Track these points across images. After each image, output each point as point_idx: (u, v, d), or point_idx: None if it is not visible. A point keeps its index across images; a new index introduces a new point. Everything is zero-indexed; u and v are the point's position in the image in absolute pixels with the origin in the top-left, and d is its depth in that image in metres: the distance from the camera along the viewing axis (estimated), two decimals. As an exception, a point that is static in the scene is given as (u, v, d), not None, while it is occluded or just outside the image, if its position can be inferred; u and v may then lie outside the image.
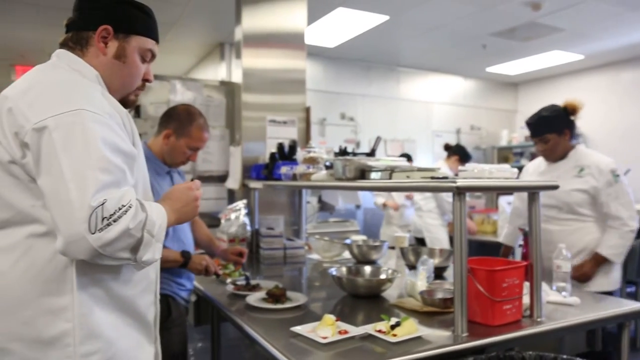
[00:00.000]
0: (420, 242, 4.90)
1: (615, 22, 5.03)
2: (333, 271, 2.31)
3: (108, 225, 1.08)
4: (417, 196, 5.01)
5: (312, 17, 4.44)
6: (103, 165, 1.13)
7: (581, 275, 2.58)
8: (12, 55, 6.01)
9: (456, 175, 1.89)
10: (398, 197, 5.15)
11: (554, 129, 2.67)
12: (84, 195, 1.08)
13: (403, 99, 6.93)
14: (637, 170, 5.50)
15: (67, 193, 1.08)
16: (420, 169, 1.97)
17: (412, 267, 2.44)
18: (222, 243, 2.96)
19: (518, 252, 4.04)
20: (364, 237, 3.64)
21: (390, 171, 2.01)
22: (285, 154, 3.18)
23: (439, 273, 2.55)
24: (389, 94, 6.82)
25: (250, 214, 3.37)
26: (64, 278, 1.18)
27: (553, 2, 4.44)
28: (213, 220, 3.39)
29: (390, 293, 2.23)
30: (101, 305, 1.23)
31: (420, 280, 2.09)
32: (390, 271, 2.33)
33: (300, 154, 2.76)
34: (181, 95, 3.72)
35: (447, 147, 5.11)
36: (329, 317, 1.66)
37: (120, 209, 1.10)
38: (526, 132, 7.17)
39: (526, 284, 1.84)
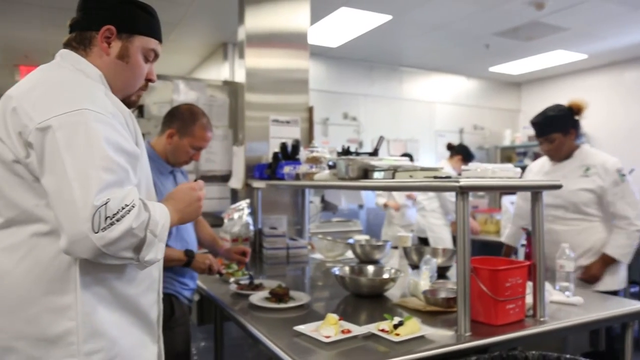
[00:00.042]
0: (424, 241, 4.89)
1: (619, 21, 5.01)
2: (336, 271, 2.31)
3: (111, 224, 1.08)
4: (421, 196, 5.01)
5: (315, 17, 4.44)
6: (106, 164, 1.13)
7: (590, 277, 2.58)
8: (16, 55, 6.03)
9: (459, 174, 1.89)
10: (399, 197, 5.15)
11: (559, 128, 2.66)
12: (87, 195, 1.08)
13: (406, 98, 6.93)
14: (641, 170, 5.48)
15: (71, 192, 1.09)
16: (423, 169, 1.97)
17: (415, 266, 2.44)
18: (225, 242, 2.97)
19: (521, 252, 4.03)
20: (366, 237, 3.64)
21: (393, 171, 2.01)
22: (288, 154, 3.18)
23: (442, 273, 2.56)
24: (392, 94, 6.81)
25: (253, 213, 3.37)
26: (67, 277, 1.19)
27: (556, 1, 4.43)
28: (216, 220, 3.40)
29: (393, 292, 2.23)
30: (104, 304, 1.24)
31: (423, 280, 2.09)
32: (393, 271, 2.33)
33: (303, 154, 2.76)
34: (184, 95, 3.73)
35: (450, 147, 5.11)
36: (332, 317, 1.66)
37: (123, 208, 1.11)
38: (529, 131, 7.18)
39: (529, 284, 1.83)
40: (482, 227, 5.01)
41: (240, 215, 3.14)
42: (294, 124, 3.74)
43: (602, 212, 2.64)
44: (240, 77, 3.75)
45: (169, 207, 1.30)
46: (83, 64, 1.32)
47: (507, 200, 4.66)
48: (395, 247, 3.33)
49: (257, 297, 2.09)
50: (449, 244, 4.65)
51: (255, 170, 3.50)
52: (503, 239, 3.26)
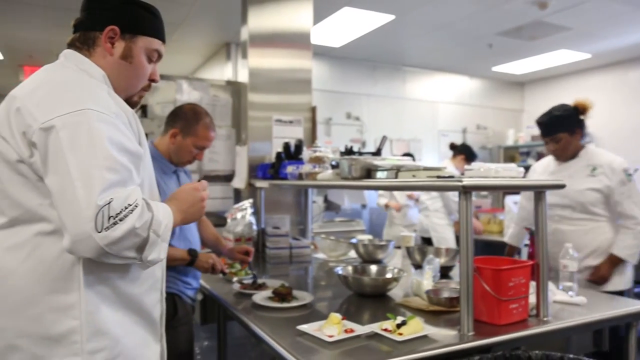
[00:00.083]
0: (427, 241, 4.89)
1: (622, 20, 5.00)
2: (339, 270, 2.31)
3: (114, 224, 1.09)
4: (424, 196, 5.01)
5: (318, 17, 4.44)
6: (109, 164, 1.14)
7: (599, 279, 2.57)
8: (20, 55, 6.06)
9: (462, 174, 1.89)
10: (400, 198, 5.14)
11: (565, 128, 2.66)
12: (90, 194, 1.09)
13: (409, 98, 6.92)
14: (645, 170, 5.46)
15: (74, 192, 1.09)
16: (426, 168, 1.97)
17: (418, 266, 2.44)
18: (229, 242, 2.97)
19: (525, 252, 4.03)
20: (369, 237, 3.64)
21: (396, 170, 2.01)
22: (292, 154, 3.19)
23: (445, 272, 2.55)
24: (395, 94, 6.81)
25: (256, 213, 3.37)
26: (71, 276, 1.19)
27: (560, 0, 4.42)
28: (219, 220, 3.41)
29: (396, 292, 2.23)
30: (108, 303, 1.24)
31: (427, 280, 2.09)
32: (396, 270, 2.33)
33: (306, 154, 2.76)
34: (188, 95, 3.74)
35: (453, 147, 5.10)
36: (335, 316, 1.66)
37: (126, 208, 1.11)
38: (533, 131, 7.17)
39: (532, 284, 1.83)
40: (485, 227, 5.00)
41: (243, 215, 3.15)
42: (297, 124, 3.74)
43: (608, 212, 2.64)
44: (243, 77, 3.75)
45: (172, 207, 1.30)
46: (87, 64, 1.33)
47: (510, 200, 4.65)
48: (398, 247, 3.33)
49: (260, 297, 2.09)
50: (452, 244, 4.65)
51: (258, 170, 3.50)
52: (506, 239, 3.26)
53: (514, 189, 2.13)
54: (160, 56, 1.45)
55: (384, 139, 2.65)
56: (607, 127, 6.52)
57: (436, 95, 7.17)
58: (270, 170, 3.24)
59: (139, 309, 1.32)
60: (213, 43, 5.80)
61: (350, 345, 1.56)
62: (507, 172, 1.80)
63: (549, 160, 2.89)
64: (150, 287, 1.37)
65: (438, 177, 1.80)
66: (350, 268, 2.41)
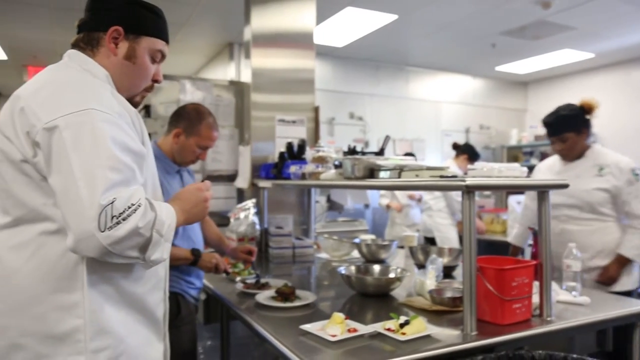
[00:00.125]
0: (430, 241, 4.89)
1: (626, 20, 4.99)
2: (342, 270, 2.31)
3: (117, 223, 1.09)
4: (427, 196, 5.00)
5: (321, 17, 4.44)
6: (112, 164, 1.14)
7: (607, 279, 2.57)
8: (24, 56, 6.08)
9: (465, 174, 1.89)
10: (402, 198, 5.14)
11: (572, 127, 2.65)
12: (93, 194, 1.09)
13: (412, 98, 6.92)
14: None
15: (77, 191, 1.10)
16: (429, 168, 1.97)
17: (421, 266, 2.44)
18: (232, 242, 2.97)
19: (528, 252, 4.02)
20: (372, 237, 3.64)
21: (399, 170, 2.01)
22: (294, 153, 3.19)
23: (448, 272, 2.55)
24: (398, 94, 6.81)
25: (259, 213, 3.38)
26: (74, 275, 1.20)
27: (563, 0, 4.41)
28: (222, 220, 3.41)
29: (399, 292, 2.23)
30: (111, 302, 1.25)
31: (430, 279, 2.09)
32: (399, 270, 2.33)
33: (309, 153, 2.77)
34: (191, 95, 3.74)
35: (456, 146, 5.10)
36: (338, 316, 1.67)
37: (129, 207, 1.12)
38: (536, 131, 7.16)
39: (536, 283, 1.83)
40: (489, 227, 5.00)
41: (246, 215, 3.15)
42: (300, 124, 3.74)
43: (615, 212, 2.64)
44: (246, 77, 3.76)
45: (176, 207, 1.31)
46: (90, 64, 1.34)
47: (513, 200, 4.64)
48: (401, 247, 3.32)
49: (264, 296, 2.09)
50: (455, 244, 4.64)
51: (261, 169, 3.51)
52: (510, 239, 3.25)
53: (517, 189, 2.13)
54: (163, 57, 1.45)
55: (387, 138, 2.65)
56: (611, 127, 6.49)
57: (439, 95, 7.16)
58: (273, 170, 3.24)
59: (142, 308, 1.33)
60: (216, 43, 5.81)
61: (353, 344, 1.56)
62: (511, 172, 1.80)
63: (553, 160, 2.88)
64: (153, 286, 1.37)
65: (441, 176, 1.79)
66: (353, 268, 2.41)
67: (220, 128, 2.63)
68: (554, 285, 1.96)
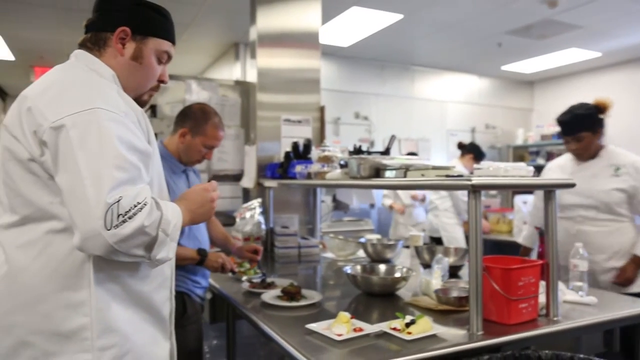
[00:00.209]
0: (436, 241, 4.88)
1: (633, 18, 4.96)
2: (348, 269, 2.31)
3: (123, 222, 1.10)
4: (433, 195, 5.00)
5: (327, 17, 4.44)
6: (118, 162, 1.15)
7: (625, 281, 2.55)
8: (31, 56, 6.11)
9: (471, 173, 1.89)
10: (405, 198, 5.13)
11: (588, 127, 2.63)
12: (100, 193, 1.10)
13: (417, 98, 6.90)
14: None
15: (84, 190, 1.11)
16: (435, 167, 1.96)
17: (427, 265, 2.43)
18: (237, 242, 2.98)
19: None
20: (378, 236, 3.64)
21: (405, 169, 2.01)
22: (300, 153, 3.19)
23: (453, 272, 2.54)
24: (403, 93, 6.80)
25: (265, 212, 3.38)
26: (81, 273, 1.21)
27: (570, -1, 4.40)
28: (228, 219, 3.42)
29: (405, 292, 2.23)
30: (118, 300, 1.25)
31: (435, 279, 2.08)
32: (404, 270, 2.33)
33: (314, 153, 2.77)
34: (197, 94, 3.76)
35: (461, 146, 5.09)
36: (344, 315, 1.66)
37: (135, 206, 1.12)
38: (542, 131, 7.13)
39: (542, 283, 1.82)
40: (495, 227, 4.99)
41: (252, 215, 3.16)
42: (306, 124, 3.75)
43: (630, 212, 2.62)
44: (252, 77, 3.76)
45: (182, 207, 1.31)
46: (97, 64, 1.34)
47: (519, 200, 4.63)
48: (407, 247, 3.32)
49: (269, 296, 2.09)
50: (462, 243, 4.63)
51: (267, 169, 3.51)
52: (520, 240, 3.24)
53: (524, 188, 2.12)
54: (169, 57, 1.46)
55: (392, 138, 2.64)
56: (617, 126, 6.44)
57: (445, 95, 7.15)
58: (278, 169, 3.25)
59: (148, 306, 1.33)
60: (222, 43, 5.82)
61: (359, 344, 1.56)
62: (517, 171, 1.79)
63: (565, 160, 2.85)
64: (159, 285, 1.38)
65: (447, 176, 1.79)
66: (358, 267, 2.41)
67: (226, 128, 2.64)
68: (561, 285, 1.95)
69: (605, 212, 2.62)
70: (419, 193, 5.08)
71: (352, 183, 2.29)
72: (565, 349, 1.46)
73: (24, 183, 1.22)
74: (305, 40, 3.78)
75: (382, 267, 2.41)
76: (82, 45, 1.38)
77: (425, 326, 1.61)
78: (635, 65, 6.51)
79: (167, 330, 1.42)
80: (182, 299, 2.15)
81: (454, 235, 4.79)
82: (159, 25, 1.40)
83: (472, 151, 4.94)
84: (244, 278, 2.44)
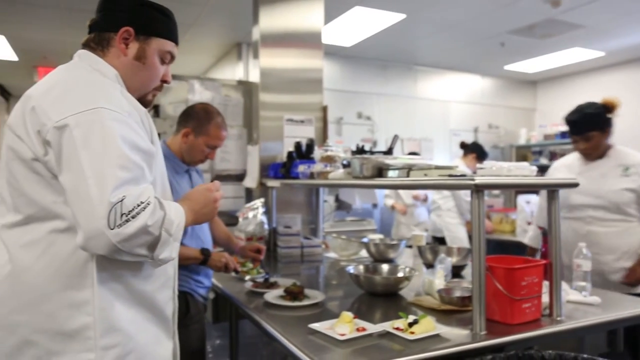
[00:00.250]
0: (439, 241, 4.87)
1: (636, 18, 4.94)
2: (350, 269, 2.31)
3: (127, 221, 1.10)
4: (436, 195, 4.99)
5: (329, 17, 4.44)
6: (122, 162, 1.15)
7: (635, 280, 2.53)
8: (34, 57, 6.13)
9: (474, 173, 1.88)
10: (406, 198, 5.12)
11: (597, 126, 2.61)
12: (103, 192, 1.10)
13: (420, 97, 6.90)
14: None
15: (87, 189, 1.11)
16: (438, 167, 1.96)
17: (430, 265, 2.43)
18: (240, 241, 2.98)
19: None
20: (380, 236, 3.64)
21: (408, 169, 2.01)
22: (303, 153, 3.19)
23: (456, 272, 2.54)
24: (406, 93, 6.79)
25: (267, 212, 3.38)
26: (84, 273, 1.21)
27: (573, -2, 4.38)
28: (231, 219, 3.42)
29: (408, 291, 2.22)
30: (121, 300, 1.25)
31: (438, 279, 2.08)
32: (407, 269, 2.33)
33: (317, 153, 2.77)
34: (199, 94, 3.76)
35: (464, 145, 5.07)
36: (347, 315, 1.66)
37: (138, 205, 1.13)
38: (545, 130, 7.11)
39: (545, 283, 1.82)
40: (498, 227, 4.98)
41: (254, 214, 3.16)
42: (308, 124, 3.75)
43: (638, 212, 2.61)
44: (254, 76, 3.76)
45: (185, 207, 1.32)
46: (100, 64, 1.35)
47: (522, 200, 4.62)
48: (409, 246, 3.32)
49: (272, 295, 2.10)
50: (466, 243, 4.63)
51: (269, 169, 3.51)
52: (526, 240, 3.23)
53: (527, 188, 2.12)
54: (172, 58, 1.46)
55: (395, 137, 2.64)
56: (620, 125, 6.42)
57: (447, 95, 7.14)
58: (281, 169, 3.25)
59: (151, 306, 1.34)
60: (224, 43, 5.82)
61: (362, 343, 1.56)
62: (520, 171, 1.79)
63: (572, 160, 2.83)
64: (162, 284, 1.38)
65: (450, 175, 1.79)
66: (361, 267, 2.41)
67: (229, 128, 2.63)
68: (564, 285, 1.95)
69: (615, 212, 2.60)
70: (420, 193, 5.08)
71: (355, 183, 2.29)
72: (568, 349, 1.46)
73: (28, 182, 1.23)
74: (307, 40, 3.78)
75: (385, 267, 2.41)
76: (86, 45, 1.39)
77: (428, 326, 1.61)
78: (639, 65, 6.49)
79: (170, 329, 1.43)
80: (185, 298, 2.15)
81: (457, 235, 4.78)
82: (162, 26, 1.41)
83: (474, 151, 4.93)
84: (247, 277, 2.44)
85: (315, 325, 1.67)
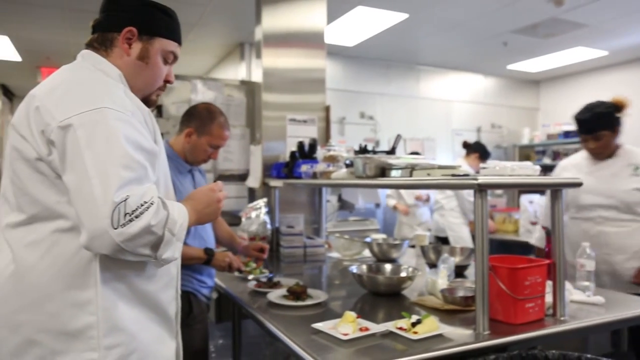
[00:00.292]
0: (442, 241, 4.86)
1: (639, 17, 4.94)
2: (353, 269, 2.31)
3: (130, 221, 1.10)
4: (439, 195, 4.98)
5: (332, 16, 4.44)
6: (125, 162, 1.15)
7: None
8: (38, 57, 6.15)
9: (477, 172, 1.88)
10: (408, 198, 5.12)
11: (608, 125, 2.59)
12: (107, 192, 1.10)
13: (423, 97, 6.89)
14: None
15: (91, 189, 1.11)
16: (441, 167, 1.96)
17: (433, 265, 2.43)
18: (243, 241, 2.99)
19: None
20: (383, 236, 3.64)
21: (411, 169, 2.00)
22: (306, 153, 3.19)
23: (459, 272, 2.53)
24: (409, 93, 6.79)
25: (270, 212, 3.39)
26: (88, 272, 1.21)
27: (576, -3, 4.38)
28: (234, 219, 3.42)
29: (411, 291, 2.22)
30: (124, 299, 1.26)
31: (441, 278, 2.08)
32: (410, 269, 2.32)
33: (320, 153, 2.77)
34: (202, 94, 3.76)
35: (466, 145, 5.07)
36: (350, 314, 1.66)
37: (142, 205, 1.13)
38: (548, 130, 7.09)
39: (549, 283, 1.81)
40: (501, 227, 4.97)
41: (257, 214, 3.16)
42: (311, 123, 3.75)
43: None
44: (257, 76, 3.77)
45: (188, 207, 1.32)
46: (103, 64, 1.35)
47: (525, 200, 4.61)
48: (412, 246, 3.32)
49: (275, 295, 2.10)
50: (469, 243, 4.62)
51: (272, 169, 3.51)
52: (533, 241, 3.21)
53: (530, 187, 2.11)
54: (175, 58, 1.47)
55: (398, 137, 2.64)
56: (624, 125, 6.42)
57: (450, 94, 7.13)
58: (284, 169, 3.25)
59: (154, 305, 1.34)
60: (227, 43, 5.83)
61: (365, 343, 1.56)
62: (523, 171, 1.79)
63: (580, 159, 2.80)
64: (165, 284, 1.38)
65: (453, 175, 1.79)
66: (364, 267, 2.41)
67: (232, 128, 2.64)
68: (568, 285, 1.94)
69: (626, 212, 2.58)
70: (423, 193, 5.07)
71: (358, 182, 2.29)
72: (572, 349, 1.46)
73: (31, 182, 1.23)
74: (310, 40, 3.78)
75: (388, 267, 2.41)
76: (89, 46, 1.39)
77: (431, 326, 1.60)
78: (643, 64, 6.47)
79: (173, 329, 1.43)
80: (188, 298, 2.15)
81: (460, 235, 4.78)
82: (165, 26, 1.41)
83: (477, 150, 4.93)
84: (251, 277, 2.44)
85: (318, 325, 1.67)
